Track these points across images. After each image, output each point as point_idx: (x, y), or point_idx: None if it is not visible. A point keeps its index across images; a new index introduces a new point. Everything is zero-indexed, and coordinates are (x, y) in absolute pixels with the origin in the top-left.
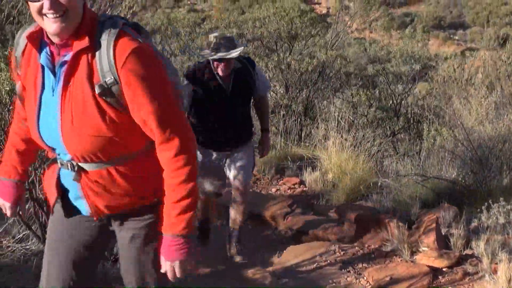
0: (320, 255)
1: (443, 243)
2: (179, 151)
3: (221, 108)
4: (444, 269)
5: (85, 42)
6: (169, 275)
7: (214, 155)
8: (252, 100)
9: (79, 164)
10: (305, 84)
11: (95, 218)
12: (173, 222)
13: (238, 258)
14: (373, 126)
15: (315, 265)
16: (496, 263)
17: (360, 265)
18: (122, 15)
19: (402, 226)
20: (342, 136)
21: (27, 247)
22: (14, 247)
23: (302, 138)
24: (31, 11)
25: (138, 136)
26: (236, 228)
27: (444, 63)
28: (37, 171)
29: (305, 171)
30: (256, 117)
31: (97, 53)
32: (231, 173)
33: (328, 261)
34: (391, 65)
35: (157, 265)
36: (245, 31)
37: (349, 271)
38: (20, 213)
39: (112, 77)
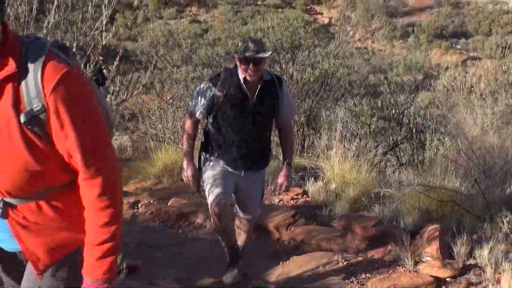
0: (324, 265)
1: (446, 253)
2: (104, 190)
3: (241, 120)
4: (447, 279)
5: (10, 67)
6: None
7: (228, 168)
8: (274, 124)
9: (5, 199)
10: (307, 95)
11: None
12: (93, 265)
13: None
14: (376, 136)
15: (318, 275)
16: (500, 273)
17: (363, 276)
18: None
19: (405, 236)
20: (344, 146)
21: None
22: None
23: (305, 148)
24: None
25: (68, 168)
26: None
27: (446, 72)
28: None
29: (308, 181)
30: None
31: (23, 78)
32: (239, 203)
33: (331, 271)
34: (394, 74)
35: None
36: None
37: (352, 281)
38: None
39: (40, 104)
